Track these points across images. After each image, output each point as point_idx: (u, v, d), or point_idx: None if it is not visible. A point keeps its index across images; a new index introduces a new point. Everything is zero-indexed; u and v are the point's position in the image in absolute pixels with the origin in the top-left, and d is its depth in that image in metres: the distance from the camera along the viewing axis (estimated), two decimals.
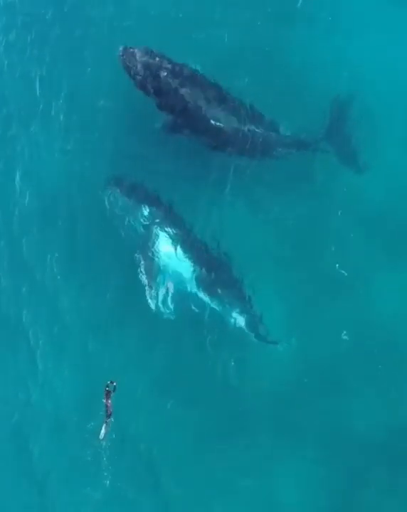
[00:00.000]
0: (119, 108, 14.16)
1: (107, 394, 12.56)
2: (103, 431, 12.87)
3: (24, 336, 14.01)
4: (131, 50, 13.30)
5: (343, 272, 13.50)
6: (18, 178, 14.36)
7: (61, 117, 14.27)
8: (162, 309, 13.55)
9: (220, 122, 13.31)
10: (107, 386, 12.52)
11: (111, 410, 12.68)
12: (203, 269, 13.52)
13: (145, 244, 13.60)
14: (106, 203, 13.91)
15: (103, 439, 12.94)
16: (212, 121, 13.28)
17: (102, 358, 13.68)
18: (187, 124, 13.44)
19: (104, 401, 12.62)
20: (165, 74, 13.20)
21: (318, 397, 13.36)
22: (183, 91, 13.22)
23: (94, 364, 13.72)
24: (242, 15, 14.15)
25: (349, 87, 13.91)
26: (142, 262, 13.54)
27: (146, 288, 13.52)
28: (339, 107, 13.85)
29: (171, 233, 13.65)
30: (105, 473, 13.34)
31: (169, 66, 13.27)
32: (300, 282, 13.62)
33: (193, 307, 13.54)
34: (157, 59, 13.28)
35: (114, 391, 12.53)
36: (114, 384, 12.48)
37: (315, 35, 14.13)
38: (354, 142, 13.74)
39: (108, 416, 12.75)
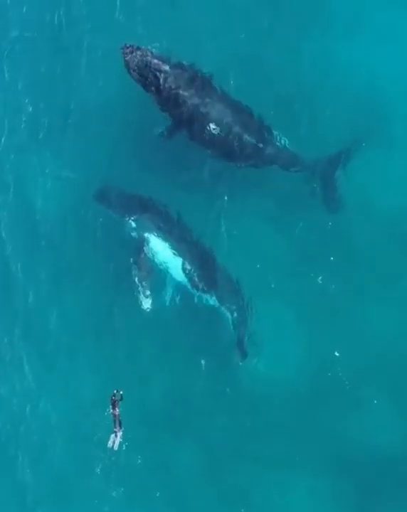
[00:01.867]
0: (117, 111, 14.12)
1: (114, 404, 12.48)
2: (116, 441, 12.78)
3: (23, 349, 14.00)
4: (135, 48, 13.20)
5: (348, 282, 13.36)
6: (12, 185, 14.37)
7: (56, 123, 14.33)
8: (160, 316, 13.49)
9: (221, 127, 13.19)
10: (114, 395, 12.40)
11: (120, 419, 12.59)
12: (199, 275, 13.44)
13: (138, 250, 13.57)
14: (98, 210, 13.90)
15: (115, 449, 12.86)
16: (213, 126, 13.18)
17: (105, 370, 13.61)
18: (188, 127, 13.34)
19: (112, 411, 12.51)
20: (167, 74, 13.11)
21: (326, 411, 13.17)
22: (185, 93, 13.12)
23: (97, 376, 13.65)
24: (250, 20, 14.05)
25: (359, 97, 13.79)
26: (136, 269, 13.52)
27: (142, 295, 13.46)
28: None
29: (166, 239, 13.60)
30: (113, 486, 13.28)
31: (173, 65, 13.20)
32: (303, 291, 13.47)
33: (193, 314, 13.47)
34: (161, 58, 13.23)
35: (120, 400, 12.42)
36: (121, 393, 12.36)
37: (327, 44, 13.99)
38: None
39: (118, 425, 12.64)
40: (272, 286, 13.44)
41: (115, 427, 12.69)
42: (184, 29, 13.93)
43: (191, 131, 13.36)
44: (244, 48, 13.90)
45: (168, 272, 13.59)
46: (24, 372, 13.93)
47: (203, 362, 13.36)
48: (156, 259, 13.62)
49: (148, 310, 13.46)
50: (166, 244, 13.59)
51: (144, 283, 13.51)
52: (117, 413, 12.50)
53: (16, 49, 14.65)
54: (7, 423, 13.91)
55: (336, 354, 13.18)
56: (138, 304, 13.47)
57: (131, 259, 13.62)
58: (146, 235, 13.65)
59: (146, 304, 13.50)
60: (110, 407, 12.48)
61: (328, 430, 13.13)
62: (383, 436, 13.03)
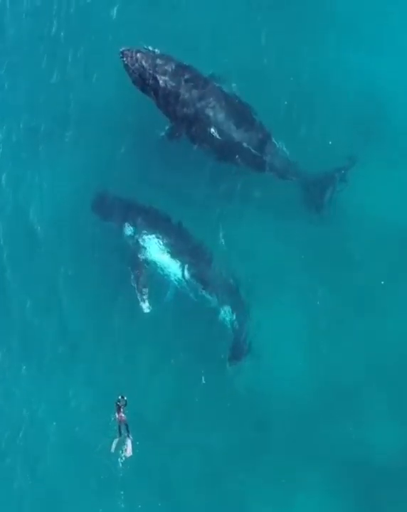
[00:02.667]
0: (115, 116, 14.12)
1: (119, 409, 12.39)
2: (128, 446, 12.67)
3: (29, 355, 13.88)
4: (133, 51, 13.19)
5: (349, 290, 13.41)
6: (9, 191, 14.29)
7: (54, 128, 14.32)
8: (160, 322, 13.46)
9: (220, 129, 13.21)
10: (118, 401, 12.26)
11: (127, 424, 12.45)
12: (197, 278, 13.48)
13: (136, 256, 13.61)
14: (96, 217, 13.93)
15: (130, 454, 12.74)
16: (212, 129, 13.20)
17: (105, 376, 13.52)
18: (188, 129, 13.36)
19: (117, 416, 12.35)
20: (167, 76, 13.08)
21: (328, 422, 13.13)
22: (186, 95, 13.11)
23: (97, 382, 13.56)
24: (253, 24, 14.09)
25: (361, 104, 13.94)
26: (133, 274, 13.55)
27: (141, 299, 13.47)
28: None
29: (163, 243, 13.63)
30: (113, 496, 13.08)
31: (173, 67, 13.13)
32: (304, 300, 13.49)
33: (193, 319, 13.43)
34: (161, 60, 13.18)
35: (125, 406, 12.33)
36: (125, 399, 12.23)
37: (329, 50, 14.08)
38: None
39: (126, 431, 12.51)
40: (273, 294, 13.47)
41: (121, 433, 12.52)
42: (186, 33, 13.97)
43: (191, 133, 13.36)
44: (246, 51, 13.94)
45: (166, 275, 13.58)
46: (23, 380, 13.79)
47: (203, 369, 13.31)
48: (154, 264, 13.62)
49: (147, 313, 13.45)
50: (164, 248, 13.61)
51: (142, 288, 13.51)
52: (123, 418, 12.40)
53: (14, 54, 14.68)
54: (6, 430, 13.69)
55: (338, 364, 13.18)
56: (137, 309, 13.43)
57: (129, 264, 13.64)
58: (143, 240, 13.68)
59: (146, 307, 13.50)
60: (115, 412, 12.38)
61: (329, 442, 13.08)
62: (385, 447, 13.00)
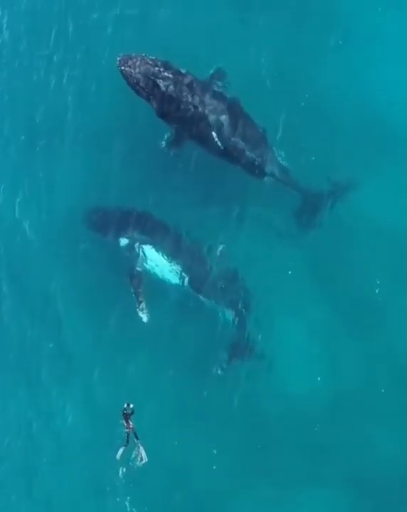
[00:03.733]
0: (114, 125, 14.10)
1: (126, 417, 12.36)
2: (141, 453, 12.67)
3: (28, 368, 13.88)
4: (131, 57, 13.14)
5: (366, 297, 13.37)
6: (8, 201, 14.29)
7: (53, 139, 14.31)
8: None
9: (223, 133, 13.20)
10: (125, 409, 12.24)
11: (135, 432, 12.44)
12: (196, 282, 13.54)
13: (133, 266, 13.61)
14: (92, 229, 13.96)
15: (145, 460, 12.72)
16: (215, 133, 13.18)
17: (109, 387, 13.49)
18: (190, 134, 13.33)
19: (125, 425, 12.34)
20: (167, 82, 13.03)
21: (340, 427, 13.10)
22: (187, 99, 13.09)
23: (104, 393, 13.53)
24: (261, 32, 14.11)
25: (366, 114, 13.91)
26: (132, 284, 13.57)
27: (139, 309, 13.48)
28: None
29: (160, 251, 13.64)
30: (124, 502, 13.09)
31: (172, 73, 13.11)
32: (314, 307, 13.49)
33: (196, 325, 13.45)
34: (158, 66, 13.13)
35: (132, 413, 12.29)
36: (131, 406, 12.20)
37: (340, 62, 14.07)
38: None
39: (136, 438, 12.51)
40: (276, 303, 13.45)
41: (128, 441, 12.53)
42: (187, 42, 13.94)
43: (192, 138, 13.35)
44: (247, 60, 13.91)
45: (165, 284, 13.58)
46: (22, 390, 13.80)
47: (205, 380, 13.32)
48: (151, 273, 13.62)
49: (146, 322, 13.43)
50: (161, 257, 13.60)
51: (140, 298, 13.49)
52: (131, 426, 12.38)
53: (11, 64, 14.65)
54: (8, 441, 13.68)
55: (343, 374, 13.17)
56: (136, 319, 13.43)
57: (127, 275, 13.62)
58: (139, 250, 13.67)
59: (145, 317, 13.48)
60: (123, 421, 12.36)
61: (336, 455, 13.02)
62: (394, 460, 12.94)
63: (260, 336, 13.34)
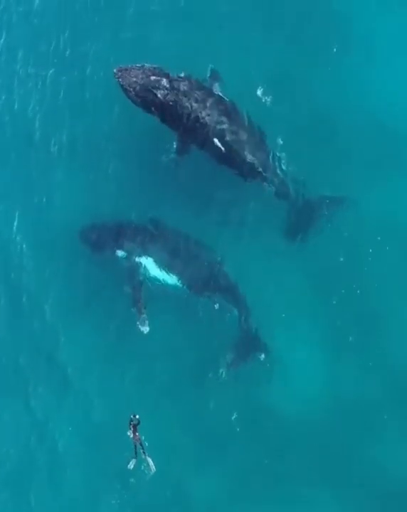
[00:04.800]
0: (114, 135, 14.07)
1: (133, 428, 12.35)
2: (150, 463, 12.64)
3: (24, 382, 13.81)
4: (126, 69, 13.10)
5: (374, 307, 13.23)
6: (15, 213, 14.26)
7: (57, 151, 14.25)
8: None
9: (223, 137, 13.08)
10: (131, 420, 12.23)
11: (141, 442, 12.41)
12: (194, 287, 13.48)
13: (132, 277, 13.56)
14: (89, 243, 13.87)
15: (153, 470, 12.69)
16: (216, 137, 13.08)
17: (113, 397, 13.39)
18: (193, 138, 13.26)
19: (132, 436, 12.32)
20: (164, 91, 12.96)
21: (349, 433, 12.94)
22: (187, 105, 12.99)
23: (105, 404, 13.46)
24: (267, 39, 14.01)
25: (378, 133, 13.69)
26: (133, 296, 13.51)
27: (139, 319, 13.42)
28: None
29: (158, 260, 13.56)
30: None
31: (169, 80, 13.02)
32: (320, 313, 13.35)
33: (199, 332, 13.33)
34: (155, 75, 13.08)
35: (138, 424, 12.27)
36: (138, 417, 12.19)
37: (346, 74, 13.90)
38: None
39: (142, 449, 12.50)
40: (284, 310, 13.32)
41: (136, 453, 12.52)
42: (193, 50, 13.83)
43: (194, 143, 13.29)
44: (253, 68, 13.83)
45: (166, 291, 13.50)
46: (24, 404, 13.76)
47: (209, 391, 13.19)
48: (152, 283, 13.58)
49: (146, 333, 13.39)
50: (160, 267, 13.54)
51: (140, 309, 13.44)
52: (137, 437, 12.37)
53: (11, 76, 14.64)
54: (15, 453, 13.67)
55: (353, 384, 13.01)
56: (136, 330, 13.40)
57: (127, 286, 13.59)
58: (138, 261, 13.62)
59: (145, 328, 13.44)
60: (130, 431, 12.35)
61: (345, 466, 12.86)
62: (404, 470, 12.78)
63: (261, 345, 13.26)
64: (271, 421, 13.01)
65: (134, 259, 13.60)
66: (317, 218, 13.42)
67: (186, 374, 13.28)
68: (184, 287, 13.45)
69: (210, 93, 13.23)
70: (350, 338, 13.09)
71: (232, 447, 13.03)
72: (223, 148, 13.11)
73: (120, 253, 13.70)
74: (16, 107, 14.50)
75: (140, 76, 13.08)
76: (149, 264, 13.57)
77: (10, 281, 14.13)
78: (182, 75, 13.17)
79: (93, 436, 13.37)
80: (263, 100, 13.64)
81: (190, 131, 13.19)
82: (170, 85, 13.01)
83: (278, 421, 13.00)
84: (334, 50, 13.92)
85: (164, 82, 13.04)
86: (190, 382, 13.26)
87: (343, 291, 13.29)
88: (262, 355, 13.24)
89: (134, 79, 13.05)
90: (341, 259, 13.35)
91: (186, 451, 13.10)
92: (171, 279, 13.48)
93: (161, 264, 13.51)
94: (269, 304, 13.30)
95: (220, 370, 13.18)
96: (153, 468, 12.69)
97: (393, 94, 13.77)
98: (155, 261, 13.54)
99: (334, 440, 12.89)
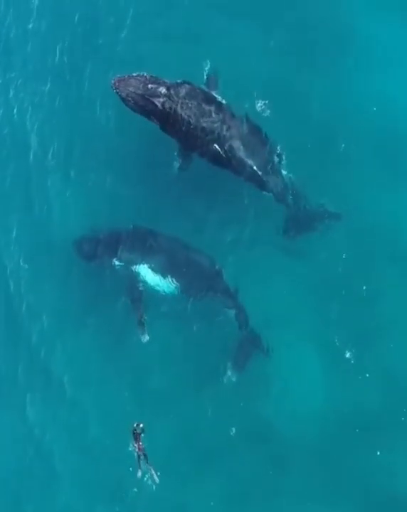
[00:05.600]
0: (113, 145, 14.08)
1: (137, 437, 12.25)
2: (153, 473, 12.55)
3: (21, 393, 13.83)
4: (124, 79, 13.07)
5: (378, 319, 13.12)
6: (14, 225, 14.30)
7: (54, 162, 14.30)
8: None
9: (220, 143, 13.05)
10: (135, 429, 12.18)
11: (145, 452, 12.31)
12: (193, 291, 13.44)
13: (131, 286, 13.55)
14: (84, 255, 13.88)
15: (157, 481, 12.62)
16: (216, 142, 13.03)
17: (116, 407, 13.34)
18: (193, 145, 13.23)
19: (136, 445, 12.24)
20: (164, 97, 12.95)
21: (356, 455, 12.77)
22: (185, 111, 12.96)
23: (108, 413, 13.40)
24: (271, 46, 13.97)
25: (380, 136, 13.65)
26: (133, 305, 13.49)
27: (140, 328, 13.40)
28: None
29: (155, 267, 13.54)
30: None
31: (167, 87, 13.02)
32: (322, 326, 13.24)
33: (201, 341, 13.28)
34: (153, 82, 13.06)
35: (142, 433, 12.21)
36: (141, 426, 12.14)
37: (349, 82, 13.87)
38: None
39: (145, 458, 12.40)
40: (290, 320, 13.26)
41: (140, 463, 12.44)
42: (191, 55, 13.83)
43: (196, 149, 13.26)
44: (256, 75, 13.82)
45: (165, 299, 13.47)
46: (23, 414, 13.73)
47: (212, 400, 13.10)
48: (150, 289, 13.53)
49: (146, 342, 13.37)
50: (159, 274, 13.51)
51: (140, 318, 13.41)
52: (141, 447, 12.27)
53: (19, 88, 14.71)
54: (13, 465, 13.65)
55: (358, 388, 12.90)
56: (136, 339, 13.39)
57: (128, 296, 13.58)
58: (134, 269, 13.60)
59: (144, 337, 13.41)
60: (133, 441, 12.27)
61: (350, 477, 12.73)
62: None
63: (273, 361, 13.18)
64: (271, 434, 12.90)
65: (132, 268, 13.57)
66: (317, 225, 13.40)
67: (186, 384, 13.20)
68: (183, 295, 13.38)
69: (210, 99, 13.19)
70: (351, 349, 13.00)
71: (231, 460, 12.90)
72: (223, 155, 13.08)
73: (117, 263, 13.67)
74: (14, 118, 14.59)
75: (138, 85, 13.06)
76: (146, 273, 13.54)
77: (8, 292, 14.13)
78: (180, 81, 13.14)
79: (92, 447, 13.27)
80: (263, 105, 13.60)
81: (190, 138, 13.16)
82: (168, 92, 12.99)
83: (278, 434, 12.89)
84: (335, 57, 13.93)
85: (162, 89, 13.02)
86: (190, 393, 13.18)
87: (343, 301, 13.20)
88: (264, 367, 13.16)
89: (132, 88, 13.05)
90: (340, 268, 13.26)
91: (185, 463, 12.99)
92: (170, 287, 13.43)
93: (159, 272, 13.47)
94: (268, 311, 13.25)
95: (224, 376, 13.11)
96: (156, 478, 12.59)
97: (393, 101, 13.72)
98: (153, 269, 13.51)
99: (335, 454, 12.75)
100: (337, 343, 13.06)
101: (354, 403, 12.86)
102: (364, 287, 13.17)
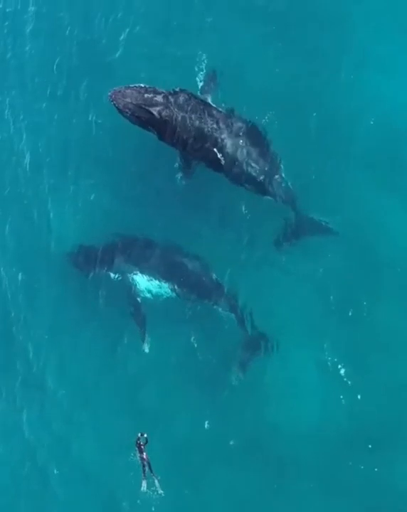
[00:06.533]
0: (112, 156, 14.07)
1: (140, 448, 12.16)
2: (157, 483, 12.46)
3: (20, 406, 13.78)
4: (121, 91, 13.00)
5: (384, 328, 12.96)
6: (9, 238, 14.30)
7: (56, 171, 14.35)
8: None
9: (219, 148, 13.02)
10: (138, 439, 12.12)
11: (149, 462, 12.24)
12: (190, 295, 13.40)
13: (131, 297, 13.55)
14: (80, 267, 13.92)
15: (161, 492, 12.51)
16: (216, 148, 13.01)
17: (117, 418, 13.24)
18: (195, 153, 13.18)
19: (139, 455, 12.18)
20: (160, 106, 12.90)
21: (354, 461, 12.63)
22: (180, 119, 12.92)
23: (110, 423, 13.31)
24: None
25: (380, 140, 13.52)
26: (134, 315, 13.49)
27: (142, 338, 13.37)
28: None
29: (152, 275, 13.54)
30: None
31: (164, 96, 12.98)
32: (323, 337, 13.07)
33: (202, 350, 13.19)
34: (149, 92, 13.01)
35: (146, 443, 12.13)
36: (145, 436, 12.09)
37: (346, 82, 13.78)
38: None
39: (149, 469, 12.31)
40: (291, 330, 13.13)
41: (145, 473, 12.34)
42: (190, 59, 13.79)
43: (197, 156, 13.23)
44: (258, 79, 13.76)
45: (164, 306, 13.42)
46: (22, 429, 13.68)
47: (215, 409, 13.02)
48: (148, 297, 13.52)
49: (148, 352, 13.34)
50: (155, 281, 13.50)
51: (141, 328, 13.39)
52: (145, 457, 12.18)
53: (17, 104, 14.78)
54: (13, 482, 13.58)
55: (361, 401, 12.76)
56: (139, 349, 13.35)
57: (129, 307, 13.56)
58: (131, 278, 13.59)
59: (147, 347, 13.39)
60: (136, 451, 12.18)
61: (354, 486, 12.59)
62: None
63: (279, 368, 13.07)
64: (276, 442, 12.83)
65: (129, 278, 13.56)
66: (320, 232, 13.29)
67: (185, 395, 13.14)
68: (181, 302, 13.33)
69: (207, 106, 13.19)
70: (349, 363, 12.89)
71: (235, 469, 12.82)
72: (222, 160, 13.08)
73: (113, 273, 13.68)
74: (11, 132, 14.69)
75: (134, 95, 13.04)
76: (143, 282, 13.52)
77: (6, 305, 14.13)
78: (177, 89, 13.12)
79: (95, 459, 13.20)
80: (262, 112, 13.53)
81: (190, 145, 13.15)
82: (165, 101, 12.99)
83: (284, 443, 12.80)
84: (348, 65, 13.83)
85: (159, 98, 13.02)
86: (189, 404, 13.11)
87: (349, 309, 13.10)
88: (269, 376, 13.03)
89: (129, 99, 13.02)
90: (338, 282, 13.14)
91: (188, 472, 12.90)
92: (168, 295, 13.41)
93: (156, 281, 13.46)
94: (270, 315, 13.17)
95: (224, 387, 13.01)
96: (160, 490, 12.50)
97: (401, 106, 13.66)
98: (149, 278, 13.49)
99: (333, 468, 12.64)
100: (335, 358, 12.96)
101: (352, 418, 12.75)
102: (364, 302, 13.07)
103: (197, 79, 13.64)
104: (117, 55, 14.37)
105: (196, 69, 13.73)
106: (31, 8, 15.07)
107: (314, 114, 13.57)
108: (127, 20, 14.45)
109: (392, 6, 13.87)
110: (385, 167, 13.47)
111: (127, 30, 14.46)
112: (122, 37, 14.47)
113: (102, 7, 14.72)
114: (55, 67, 14.64)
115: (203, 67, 13.73)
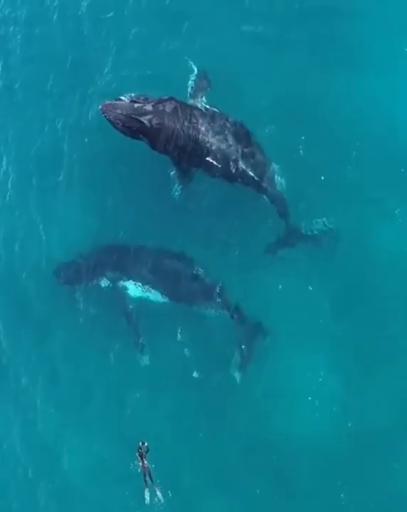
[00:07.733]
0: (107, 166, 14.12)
1: (142, 456, 12.05)
2: (157, 492, 12.37)
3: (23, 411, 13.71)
4: (111, 102, 13.00)
5: (389, 331, 12.90)
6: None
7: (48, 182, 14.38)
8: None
9: (214, 152, 13.07)
10: (140, 448, 12.04)
11: (150, 471, 12.15)
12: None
13: (124, 305, 13.51)
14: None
15: (162, 500, 12.40)
16: (209, 153, 13.07)
17: (118, 427, 13.17)
18: (187, 161, 13.25)
19: (140, 464, 12.09)
20: (150, 114, 12.90)
21: (361, 470, 12.51)
22: (172, 126, 12.94)
23: (110, 434, 13.22)
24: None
25: (380, 143, 13.52)
26: (130, 323, 13.43)
27: (140, 351, 13.34)
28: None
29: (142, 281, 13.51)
30: None
31: (152, 104, 12.98)
32: (328, 343, 13.05)
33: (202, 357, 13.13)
34: (138, 101, 13.01)
35: (147, 452, 12.03)
36: (146, 445, 12.01)
37: (343, 85, 13.77)
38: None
39: (150, 478, 12.21)
40: (288, 335, 13.05)
41: (146, 482, 12.24)
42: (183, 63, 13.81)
43: (192, 163, 13.25)
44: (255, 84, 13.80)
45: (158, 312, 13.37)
46: (24, 435, 13.62)
47: (216, 417, 12.96)
48: (141, 304, 13.46)
49: (146, 362, 13.31)
50: (146, 287, 13.47)
51: (139, 337, 13.35)
52: (146, 466, 12.07)
53: (9, 107, 14.89)
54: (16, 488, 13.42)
55: (366, 410, 12.68)
56: (136, 360, 13.33)
57: (123, 316, 13.51)
58: (122, 286, 13.57)
59: (144, 357, 13.35)
60: (138, 460, 12.09)
61: (363, 485, 12.49)
62: None
63: (280, 373, 13.01)
64: (280, 452, 12.70)
65: (119, 286, 13.55)
66: (316, 235, 13.28)
67: (187, 403, 13.08)
68: (175, 307, 13.29)
69: (198, 111, 13.23)
70: (360, 367, 12.84)
71: (239, 480, 12.71)
72: (218, 165, 13.12)
73: (103, 282, 13.65)
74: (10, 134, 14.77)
75: (125, 106, 13.04)
76: (135, 289, 13.51)
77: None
78: (166, 97, 13.16)
79: (96, 468, 13.12)
80: (256, 113, 13.61)
81: (184, 152, 13.18)
82: (154, 109, 13.00)
83: (287, 452, 12.68)
84: (346, 68, 13.85)
85: (148, 107, 13.02)
86: (191, 411, 13.05)
87: (352, 314, 13.07)
88: (273, 383, 12.95)
89: (119, 110, 13.00)
90: (354, 277, 13.11)
91: (188, 483, 12.77)
92: (161, 300, 13.39)
93: (147, 287, 13.44)
94: (266, 320, 13.07)
95: (227, 393, 12.96)
96: (161, 498, 12.39)
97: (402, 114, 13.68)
98: (140, 285, 13.47)
99: (345, 472, 12.54)
100: (347, 361, 12.90)
101: (364, 423, 12.66)
102: (362, 305, 13.05)
103: (188, 84, 13.63)
104: (107, 69, 14.44)
105: (187, 72, 13.76)
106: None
107: (309, 118, 13.61)
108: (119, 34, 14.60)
109: (392, 5, 13.93)
110: (381, 168, 13.44)
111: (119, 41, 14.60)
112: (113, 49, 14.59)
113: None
114: (47, 84, 14.70)
115: (194, 69, 13.75)
